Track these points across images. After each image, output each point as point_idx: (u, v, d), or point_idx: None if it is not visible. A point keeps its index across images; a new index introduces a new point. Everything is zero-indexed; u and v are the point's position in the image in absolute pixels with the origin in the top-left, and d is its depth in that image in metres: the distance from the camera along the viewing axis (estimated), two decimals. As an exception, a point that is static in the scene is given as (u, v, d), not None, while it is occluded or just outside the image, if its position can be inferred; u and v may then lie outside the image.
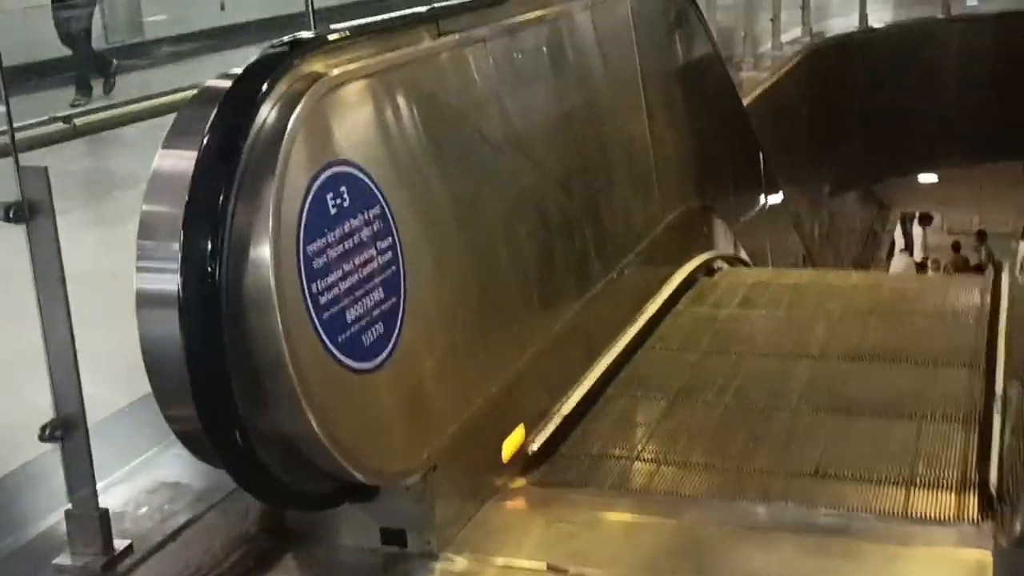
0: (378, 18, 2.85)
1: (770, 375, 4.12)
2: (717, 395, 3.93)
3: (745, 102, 8.36)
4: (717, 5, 9.15)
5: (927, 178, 15.89)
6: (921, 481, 3.20)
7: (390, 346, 2.56)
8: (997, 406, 3.50)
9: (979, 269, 19.92)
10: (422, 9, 3.05)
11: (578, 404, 3.66)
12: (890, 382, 3.98)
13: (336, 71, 2.51)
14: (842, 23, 12.13)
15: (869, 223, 19.46)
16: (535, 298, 3.48)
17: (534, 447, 3.31)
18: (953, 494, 3.12)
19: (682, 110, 5.31)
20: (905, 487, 3.17)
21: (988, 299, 4.79)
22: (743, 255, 6.25)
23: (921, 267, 19.30)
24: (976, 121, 12.02)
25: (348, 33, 2.66)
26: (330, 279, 2.38)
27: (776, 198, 8.25)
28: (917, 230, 21.28)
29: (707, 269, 5.49)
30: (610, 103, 4.38)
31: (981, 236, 19.94)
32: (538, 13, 3.70)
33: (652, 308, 4.59)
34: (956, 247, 19.48)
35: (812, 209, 11.52)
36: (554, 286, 3.66)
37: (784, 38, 10.94)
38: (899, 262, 20.92)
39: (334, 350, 2.37)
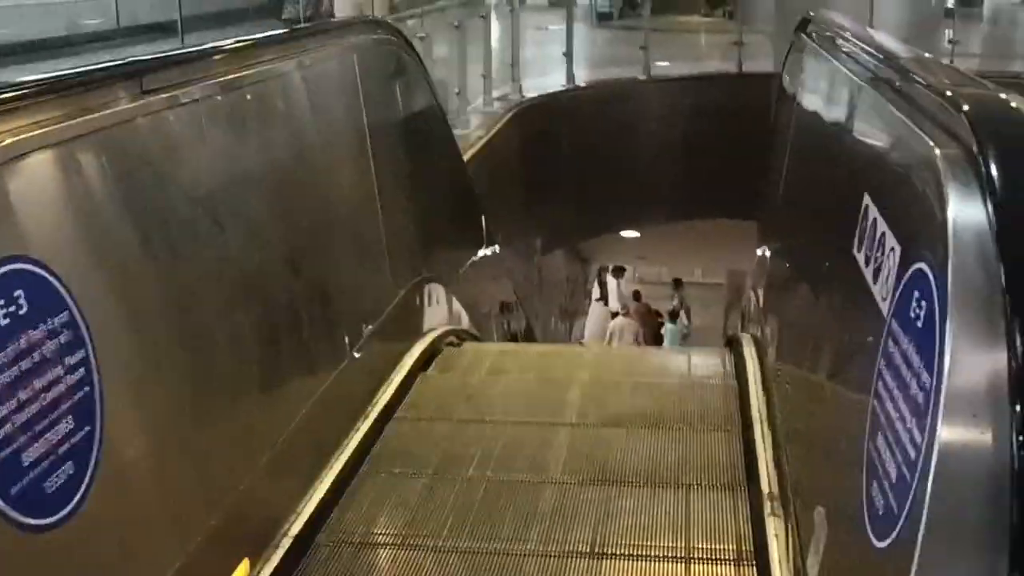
0: (68, 71, 2.30)
1: (529, 444, 3.94)
2: (478, 468, 3.71)
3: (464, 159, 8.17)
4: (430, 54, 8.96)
5: (629, 234, 16.42)
6: (699, 556, 3.12)
7: (82, 490, 2.01)
8: (765, 470, 3.38)
9: (672, 315, 21.15)
10: (122, 62, 2.52)
11: (332, 486, 3.32)
12: (651, 449, 3.86)
13: (8, 140, 1.96)
14: (552, 81, 12.29)
15: (574, 276, 20.09)
16: (265, 399, 2.99)
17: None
18: (731, 567, 3.06)
19: (411, 174, 4.96)
20: (684, 563, 3.09)
21: (731, 366, 4.75)
22: (472, 329, 5.97)
23: (615, 316, 20.18)
24: (675, 181, 12.47)
25: (26, 91, 2.10)
26: (-2, 413, 1.82)
27: (497, 259, 8.07)
28: (612, 282, 22.06)
29: (447, 341, 5.20)
30: (338, 171, 3.96)
31: (678, 283, 21.13)
32: (259, 69, 3.23)
33: (397, 379, 4.25)
34: (637, 296, 20.68)
35: (525, 265, 11.53)
36: (285, 380, 3.18)
37: (496, 93, 10.92)
38: (594, 312, 21.75)
39: (4, 506, 1.81)
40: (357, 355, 3.83)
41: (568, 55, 12.02)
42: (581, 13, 18.12)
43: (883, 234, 2.11)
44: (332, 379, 3.53)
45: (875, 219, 2.21)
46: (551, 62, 14.51)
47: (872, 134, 2.60)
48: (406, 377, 4.41)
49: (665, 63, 13.51)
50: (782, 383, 3.64)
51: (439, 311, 5.39)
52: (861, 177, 2.55)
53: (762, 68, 12.68)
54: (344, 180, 4.03)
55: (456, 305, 5.68)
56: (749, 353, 4.71)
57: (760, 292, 5.08)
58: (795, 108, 4.18)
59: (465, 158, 8.37)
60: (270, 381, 3.06)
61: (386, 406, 4.10)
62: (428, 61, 8.60)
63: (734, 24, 21.51)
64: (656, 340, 21.79)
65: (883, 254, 2.08)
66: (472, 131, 9.25)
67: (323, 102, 3.73)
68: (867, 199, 2.32)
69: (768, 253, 4.77)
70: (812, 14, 4.61)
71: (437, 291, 5.22)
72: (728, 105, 12.39)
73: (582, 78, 12.24)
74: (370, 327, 4.01)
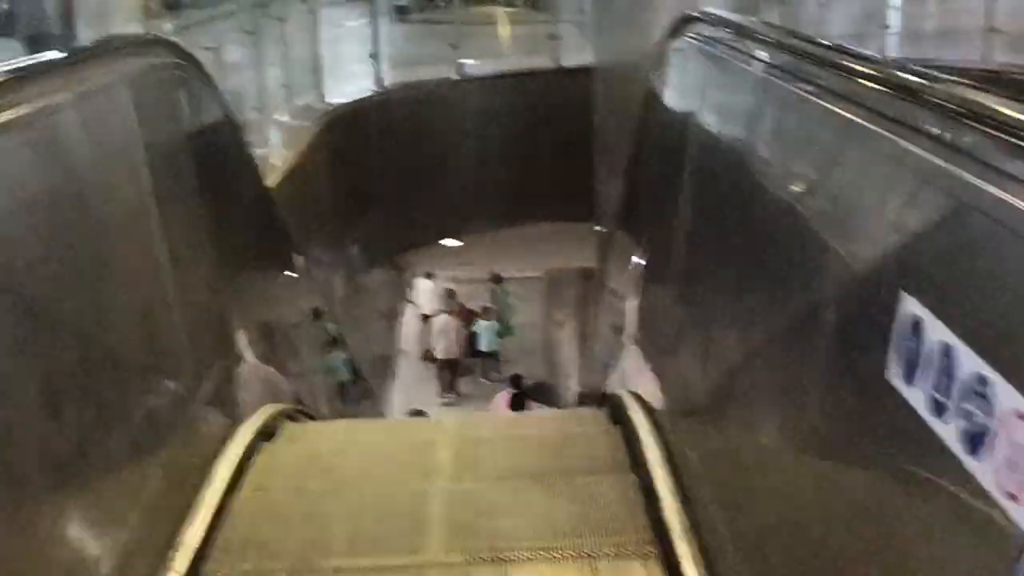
0: None
1: (401, 516, 3.27)
2: (348, 554, 3.04)
3: (270, 182, 7.13)
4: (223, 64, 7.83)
5: (452, 243, 15.55)
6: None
7: None
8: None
9: (487, 312, 20.53)
10: None
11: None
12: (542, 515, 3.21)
13: None
14: (358, 85, 11.28)
15: (391, 287, 19.14)
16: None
17: None
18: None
19: (211, 231, 3.93)
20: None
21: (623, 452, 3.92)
22: (302, 403, 4.96)
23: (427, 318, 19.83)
24: (498, 184, 11.72)
25: None
26: None
27: (311, 298, 7.05)
28: (423, 283, 21.23)
29: (273, 423, 4.19)
30: (113, 244, 2.91)
31: (496, 279, 20.59)
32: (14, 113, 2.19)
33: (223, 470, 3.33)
34: (451, 294, 20.33)
35: (345, 280, 10.51)
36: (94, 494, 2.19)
37: (300, 102, 9.86)
38: (409, 315, 21.16)
39: None
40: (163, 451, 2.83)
41: (375, 56, 11.03)
42: (378, 7, 17.07)
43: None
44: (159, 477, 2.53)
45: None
46: (354, 62, 13.48)
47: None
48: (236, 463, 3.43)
49: (474, 60, 12.71)
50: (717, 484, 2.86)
51: (259, 388, 4.38)
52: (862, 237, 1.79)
53: (577, 61, 12.07)
54: (122, 253, 2.99)
55: (277, 377, 4.68)
56: (643, 428, 3.87)
57: (648, 345, 4.29)
58: (692, 126, 3.39)
59: (271, 183, 7.33)
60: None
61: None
62: (220, 73, 7.50)
63: (537, 14, 21.00)
64: (469, 339, 20.93)
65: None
66: (276, 150, 8.17)
67: (84, 158, 2.69)
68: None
69: (660, 299, 3.99)
70: (695, 13, 3.83)
71: (253, 365, 4.23)
72: (548, 102, 11.72)
73: (390, 80, 11.28)
74: (173, 419, 3.01)
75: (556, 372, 20.47)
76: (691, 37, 3.69)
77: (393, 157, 10.74)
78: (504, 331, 20.82)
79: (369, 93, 10.79)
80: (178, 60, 3.74)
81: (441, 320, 20.54)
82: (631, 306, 4.67)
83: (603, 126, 10.75)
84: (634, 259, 4.69)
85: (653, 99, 4.45)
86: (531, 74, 11.89)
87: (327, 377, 6.95)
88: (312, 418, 4.86)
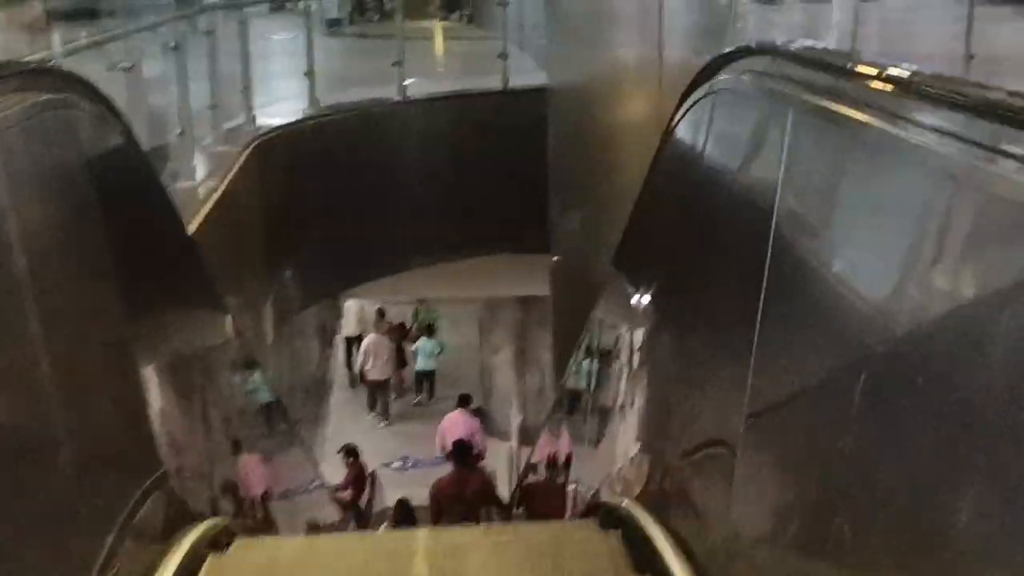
0: None
1: None
2: None
3: (196, 222, 6.16)
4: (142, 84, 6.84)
5: (394, 279, 14.61)
6: None
7: None
8: None
9: (428, 330, 19.83)
10: None
11: None
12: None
13: None
14: (291, 106, 10.28)
15: (324, 321, 18.40)
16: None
17: None
18: None
19: (120, 317, 2.98)
20: None
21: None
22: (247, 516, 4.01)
23: (358, 340, 19.27)
24: (445, 215, 10.80)
25: None
26: None
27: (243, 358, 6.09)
28: (353, 305, 20.38)
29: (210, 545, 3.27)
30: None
31: (422, 301, 20.41)
32: None
33: None
34: (381, 313, 19.71)
35: (278, 321, 9.50)
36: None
37: (228, 125, 8.87)
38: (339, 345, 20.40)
39: None
40: None
41: (310, 74, 10.05)
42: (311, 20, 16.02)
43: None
44: None
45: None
46: (286, 78, 12.51)
47: None
48: None
49: (414, 80, 11.77)
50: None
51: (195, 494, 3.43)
52: None
53: (523, 81, 11.24)
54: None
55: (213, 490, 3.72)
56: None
57: (659, 443, 3.43)
58: (773, 196, 2.52)
59: (196, 220, 6.35)
60: None
61: None
62: (136, 95, 6.50)
63: (475, 29, 20.13)
64: (401, 357, 20.13)
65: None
66: (201, 181, 7.18)
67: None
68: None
69: (677, 391, 3.13)
70: (755, 44, 2.95)
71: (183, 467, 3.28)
72: (498, 125, 10.84)
73: (325, 100, 10.29)
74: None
75: (492, 397, 19.65)
76: (752, 76, 2.83)
77: (330, 185, 9.78)
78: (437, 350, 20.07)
79: (303, 115, 9.78)
80: (73, 95, 2.78)
81: (371, 340, 19.68)
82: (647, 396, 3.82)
83: (559, 154, 9.91)
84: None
85: (682, 152, 3.59)
86: (478, 95, 11.00)
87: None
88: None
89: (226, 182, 7.21)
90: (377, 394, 19.72)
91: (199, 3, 9.16)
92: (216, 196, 6.98)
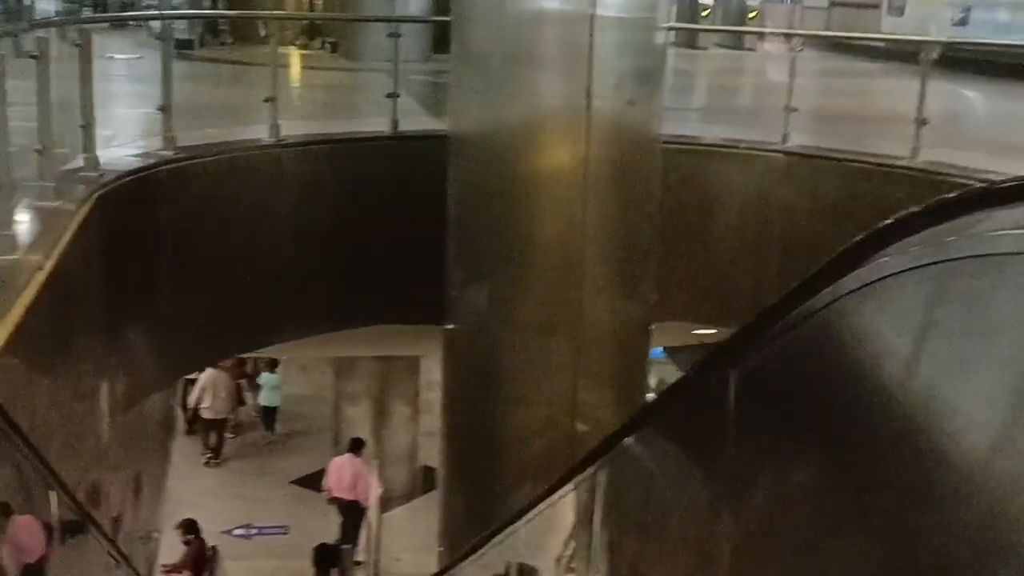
0: None
1: None
2: None
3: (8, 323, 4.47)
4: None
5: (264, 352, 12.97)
6: None
7: None
8: None
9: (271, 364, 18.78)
10: None
11: None
12: None
13: None
14: (135, 144, 8.51)
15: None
16: None
17: None
18: None
19: None
20: None
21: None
22: None
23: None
24: (322, 282, 9.20)
25: None
26: None
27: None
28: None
29: None
30: None
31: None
32: None
33: None
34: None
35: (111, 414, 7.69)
36: None
37: (63, 168, 7.09)
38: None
39: None
40: None
41: (166, 109, 8.32)
42: (149, 37, 14.20)
43: None
44: None
45: None
46: (130, 105, 10.73)
47: None
48: None
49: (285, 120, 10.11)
50: None
51: None
52: None
53: (412, 126, 9.80)
54: None
55: None
56: None
57: None
58: None
59: (16, 310, 4.65)
60: None
61: None
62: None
63: (340, 60, 18.48)
64: (240, 394, 18.73)
65: None
66: (22, 256, 5.43)
67: None
68: None
69: None
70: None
71: None
72: (387, 175, 9.34)
73: (182, 139, 8.54)
74: None
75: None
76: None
77: (192, 243, 8.08)
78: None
79: (157, 159, 8.04)
80: None
81: (209, 375, 17.89)
82: None
83: (463, 213, 8.47)
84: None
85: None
86: (365, 140, 9.46)
87: None
88: None
89: (54, 254, 5.46)
90: (211, 432, 18.46)
91: (28, 18, 7.35)
92: (44, 272, 5.24)
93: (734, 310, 9.38)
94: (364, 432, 16.60)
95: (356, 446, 14.97)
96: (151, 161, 7.84)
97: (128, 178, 7.27)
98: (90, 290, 6.20)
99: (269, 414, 19.23)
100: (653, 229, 8.62)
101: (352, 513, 14.44)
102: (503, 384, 8.54)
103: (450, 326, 9.00)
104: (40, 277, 5.06)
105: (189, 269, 7.88)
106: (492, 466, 8.65)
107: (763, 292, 9.43)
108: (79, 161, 7.25)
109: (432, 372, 20.34)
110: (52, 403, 5.30)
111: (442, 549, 9.52)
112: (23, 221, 6.00)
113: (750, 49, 21.27)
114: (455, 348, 9.04)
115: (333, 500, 14.62)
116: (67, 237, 5.86)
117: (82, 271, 6.02)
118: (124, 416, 7.52)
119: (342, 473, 14.57)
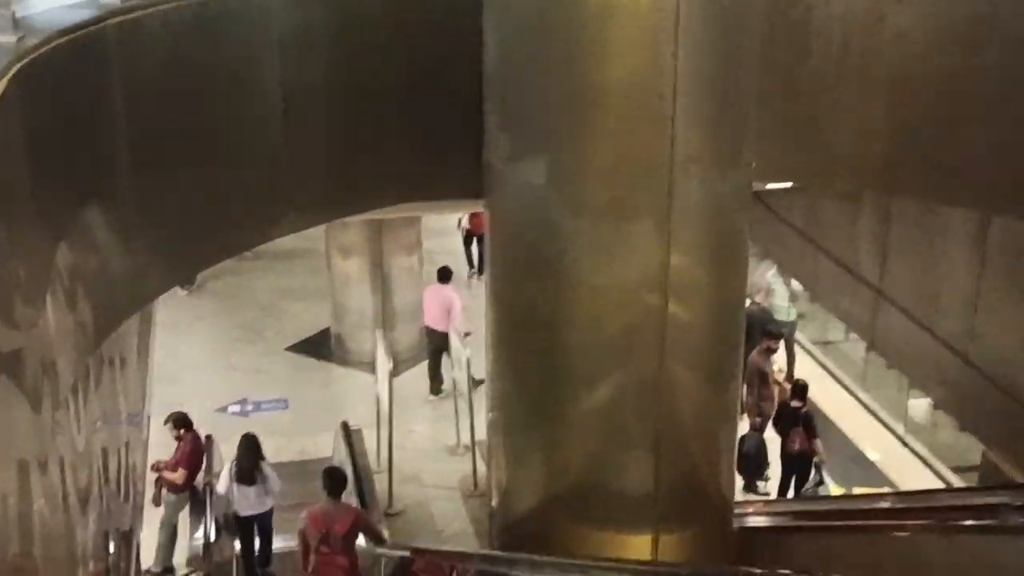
0: None
1: None
2: None
3: None
4: None
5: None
6: None
7: None
8: None
9: None
10: None
11: None
12: None
13: None
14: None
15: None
16: None
17: None
18: None
19: None
20: None
21: None
22: None
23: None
24: (319, 161, 7.28)
25: None
26: None
27: None
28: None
29: None
30: None
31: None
32: None
33: None
34: None
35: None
36: None
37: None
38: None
39: None
40: None
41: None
42: None
43: None
44: None
45: None
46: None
47: None
48: None
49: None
50: None
51: None
52: None
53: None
54: None
55: None
56: None
57: None
58: None
59: None
60: None
61: None
62: None
63: None
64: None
65: None
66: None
67: None
68: None
69: None
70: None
71: None
72: (400, 19, 7.33)
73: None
74: None
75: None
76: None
77: (145, 121, 6.16)
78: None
79: (99, 8, 5.98)
80: None
81: None
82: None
83: (506, 60, 6.53)
84: None
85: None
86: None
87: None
88: None
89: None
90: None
91: None
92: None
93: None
94: (363, 291, 15.82)
95: (444, 275, 14.79)
96: (92, 13, 5.75)
97: (61, 39, 5.19)
98: (13, 205, 4.26)
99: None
100: (753, 77, 6.75)
101: (438, 338, 14.52)
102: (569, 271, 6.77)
103: (494, 202, 7.19)
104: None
105: (146, 153, 5.92)
106: (552, 349, 6.95)
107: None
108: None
109: (432, 220, 18.71)
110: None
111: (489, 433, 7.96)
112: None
113: None
114: (502, 229, 7.23)
115: (425, 329, 15.03)
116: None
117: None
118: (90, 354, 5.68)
119: (430, 303, 14.62)
